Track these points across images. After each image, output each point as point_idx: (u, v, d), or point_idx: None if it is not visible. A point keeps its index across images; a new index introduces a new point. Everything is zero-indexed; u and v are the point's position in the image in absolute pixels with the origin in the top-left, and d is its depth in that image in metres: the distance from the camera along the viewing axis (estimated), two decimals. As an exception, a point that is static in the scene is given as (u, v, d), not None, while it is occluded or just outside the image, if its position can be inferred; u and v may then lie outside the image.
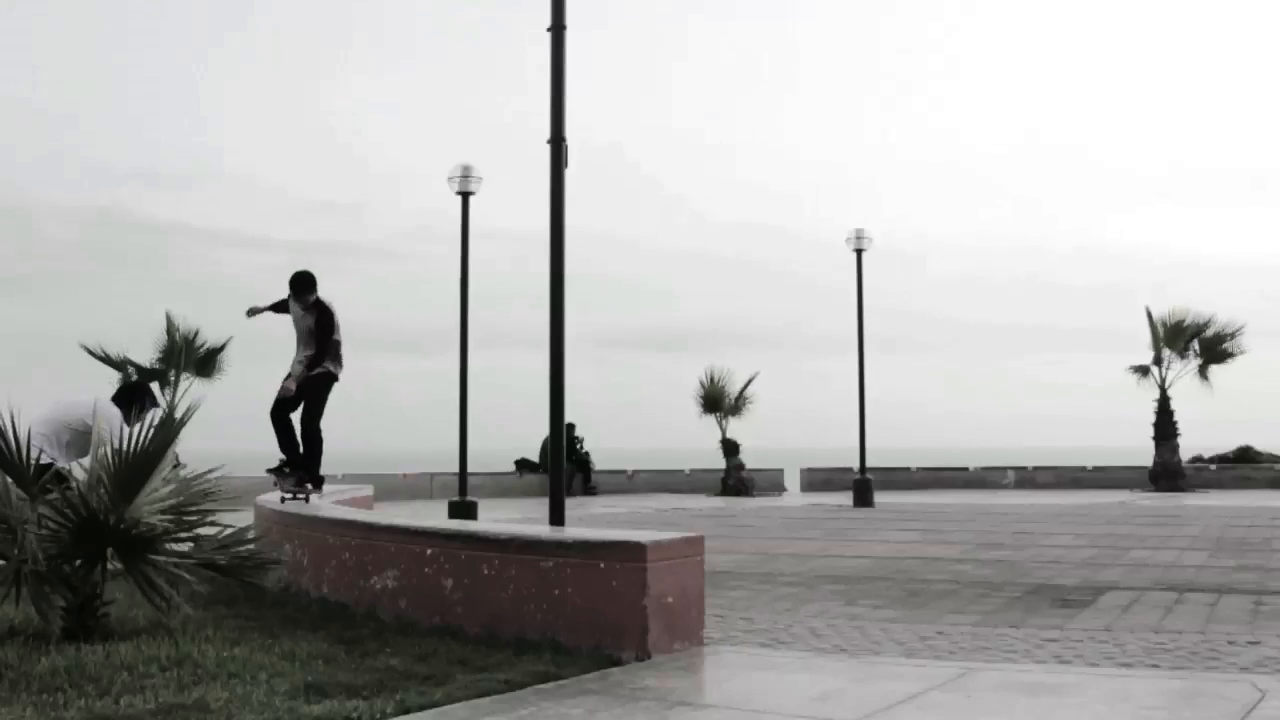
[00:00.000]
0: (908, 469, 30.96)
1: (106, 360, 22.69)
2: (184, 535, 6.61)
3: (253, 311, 9.75)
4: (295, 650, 5.72)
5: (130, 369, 22.86)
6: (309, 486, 9.47)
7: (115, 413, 7.78)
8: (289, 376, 9.40)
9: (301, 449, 9.48)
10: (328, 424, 9.53)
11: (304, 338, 9.50)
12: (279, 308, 9.72)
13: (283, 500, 9.22)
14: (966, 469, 31.28)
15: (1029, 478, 29.88)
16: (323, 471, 9.68)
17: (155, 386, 9.13)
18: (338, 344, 9.51)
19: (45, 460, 7.22)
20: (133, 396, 8.38)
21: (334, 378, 9.52)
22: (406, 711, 4.59)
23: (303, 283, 9.44)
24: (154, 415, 7.61)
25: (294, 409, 9.42)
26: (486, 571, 6.36)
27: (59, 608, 6.08)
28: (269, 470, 9.61)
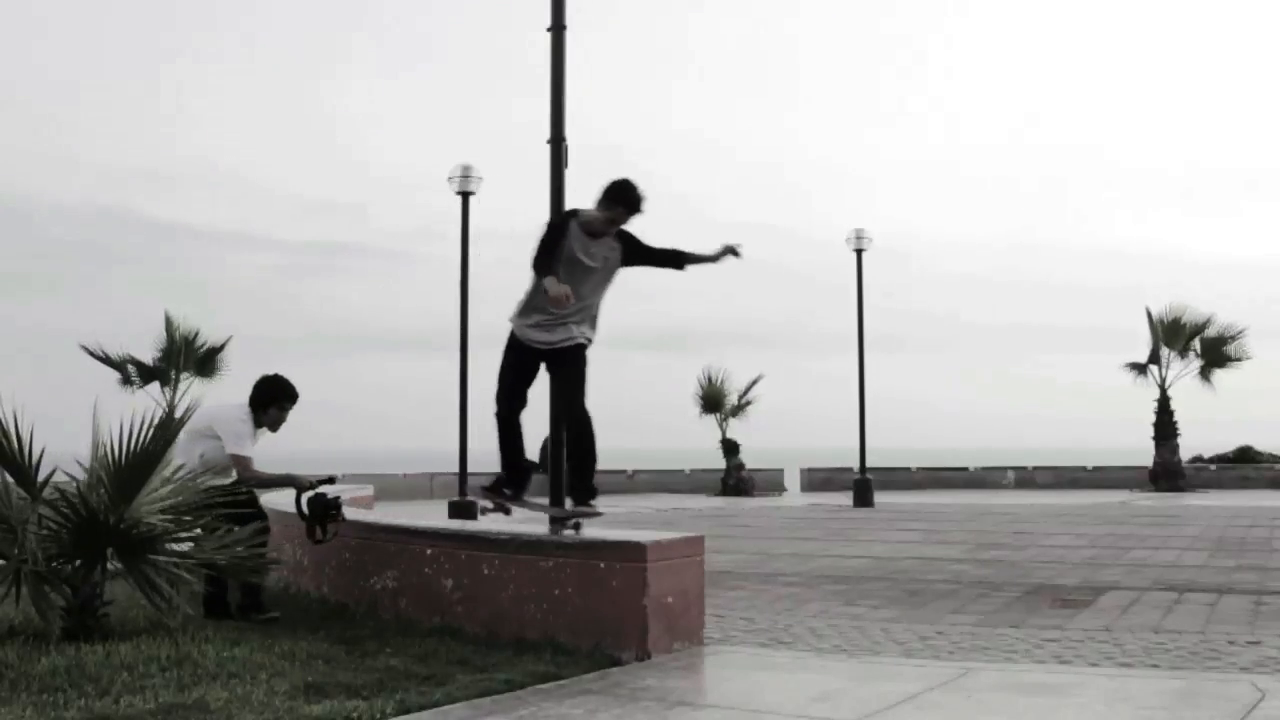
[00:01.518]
0: (908, 469, 30.98)
1: (106, 360, 22.72)
2: (184, 535, 6.61)
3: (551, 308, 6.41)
4: (295, 650, 5.72)
5: (130, 368, 22.89)
6: (592, 504, 6.73)
7: (236, 414, 7.10)
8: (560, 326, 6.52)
9: (570, 454, 6.78)
10: (325, 425, 7.94)
11: (593, 284, 6.58)
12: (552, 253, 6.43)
13: (559, 529, 6.60)
14: (966, 469, 31.30)
15: (1029, 478, 29.91)
16: (322, 472, 7.79)
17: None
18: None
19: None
20: (267, 396, 7.25)
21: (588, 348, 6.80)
22: (406, 711, 4.59)
23: (639, 197, 6.50)
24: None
25: (525, 403, 6.79)
26: (486, 571, 6.37)
27: (59, 608, 6.08)
28: (484, 489, 7.02)
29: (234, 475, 7.02)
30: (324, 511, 7.05)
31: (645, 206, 6.52)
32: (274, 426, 7.28)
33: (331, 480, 7.25)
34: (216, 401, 7.48)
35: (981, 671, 5.61)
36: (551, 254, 6.42)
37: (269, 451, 7.41)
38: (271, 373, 7.31)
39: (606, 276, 6.65)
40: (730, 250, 6.73)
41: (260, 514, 7.11)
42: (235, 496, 6.86)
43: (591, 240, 6.50)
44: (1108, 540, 13.59)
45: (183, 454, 6.95)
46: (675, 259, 6.80)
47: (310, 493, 7.07)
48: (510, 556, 6.31)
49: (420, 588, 6.71)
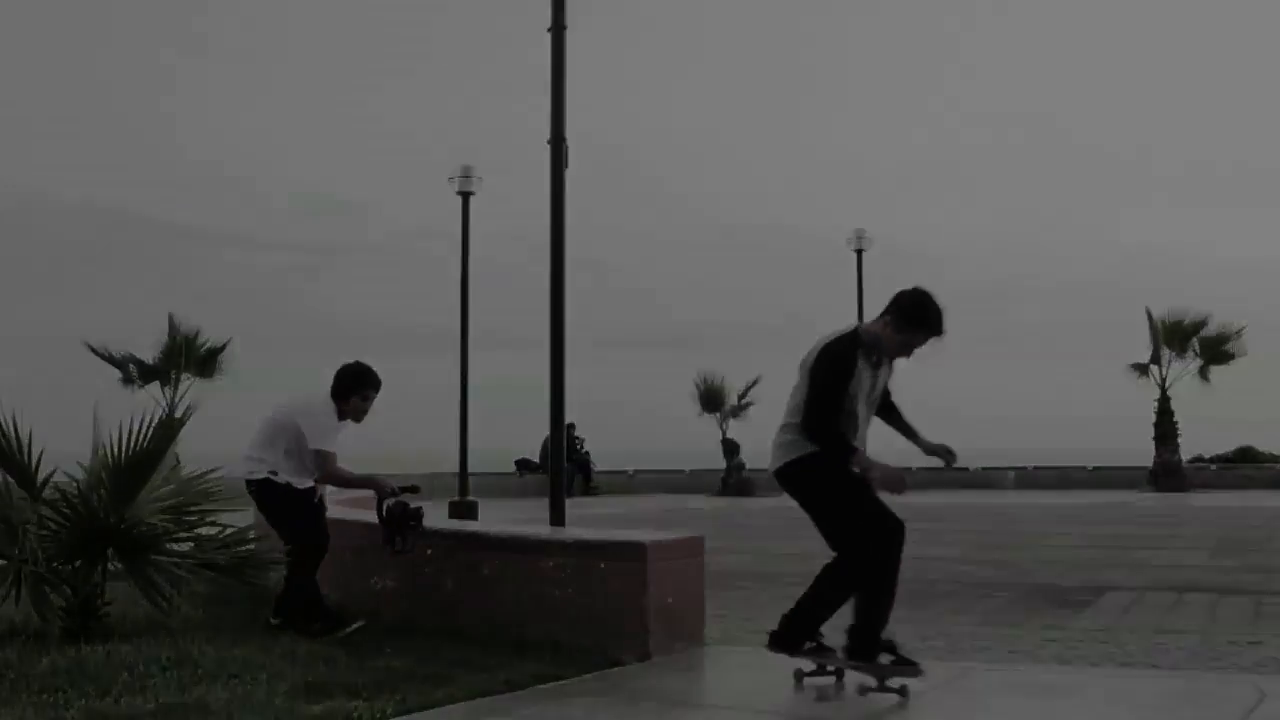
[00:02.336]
0: (908, 469, 30.78)
1: (109, 358, 22.72)
2: (184, 535, 6.61)
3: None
4: (295, 650, 5.72)
5: (132, 367, 22.89)
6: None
7: (321, 407, 6.70)
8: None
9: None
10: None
11: (870, 408, 5.36)
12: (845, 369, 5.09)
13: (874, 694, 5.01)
14: (967, 469, 31.20)
15: (1029, 478, 29.83)
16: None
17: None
18: None
19: (259, 475, 6.54)
20: (348, 386, 6.79)
21: None
22: (407, 712, 4.59)
23: (940, 315, 5.19)
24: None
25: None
26: (486, 571, 6.36)
27: (59, 608, 6.08)
28: (810, 651, 5.15)
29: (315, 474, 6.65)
30: (403, 520, 6.55)
31: (934, 325, 5.17)
32: (358, 417, 6.84)
33: (415, 489, 6.73)
34: (305, 393, 6.90)
35: (982, 672, 5.61)
36: (840, 409, 5.06)
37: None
38: (352, 360, 6.86)
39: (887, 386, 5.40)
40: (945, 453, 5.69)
41: (295, 524, 6.62)
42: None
43: (876, 367, 5.21)
44: (1108, 540, 13.58)
45: (265, 447, 6.62)
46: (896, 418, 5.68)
47: (391, 499, 6.58)
48: (510, 556, 6.31)
49: (420, 588, 6.70)
